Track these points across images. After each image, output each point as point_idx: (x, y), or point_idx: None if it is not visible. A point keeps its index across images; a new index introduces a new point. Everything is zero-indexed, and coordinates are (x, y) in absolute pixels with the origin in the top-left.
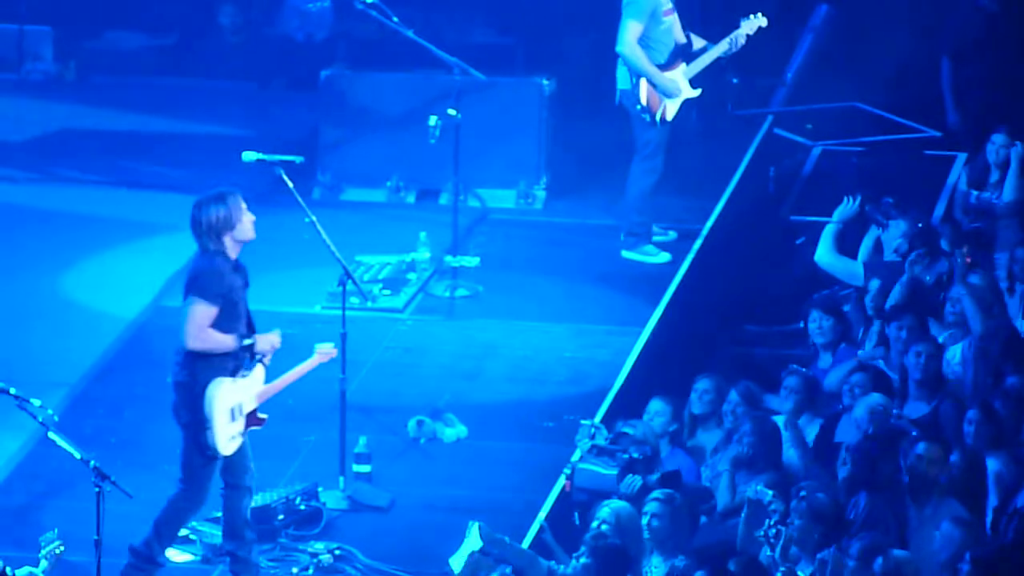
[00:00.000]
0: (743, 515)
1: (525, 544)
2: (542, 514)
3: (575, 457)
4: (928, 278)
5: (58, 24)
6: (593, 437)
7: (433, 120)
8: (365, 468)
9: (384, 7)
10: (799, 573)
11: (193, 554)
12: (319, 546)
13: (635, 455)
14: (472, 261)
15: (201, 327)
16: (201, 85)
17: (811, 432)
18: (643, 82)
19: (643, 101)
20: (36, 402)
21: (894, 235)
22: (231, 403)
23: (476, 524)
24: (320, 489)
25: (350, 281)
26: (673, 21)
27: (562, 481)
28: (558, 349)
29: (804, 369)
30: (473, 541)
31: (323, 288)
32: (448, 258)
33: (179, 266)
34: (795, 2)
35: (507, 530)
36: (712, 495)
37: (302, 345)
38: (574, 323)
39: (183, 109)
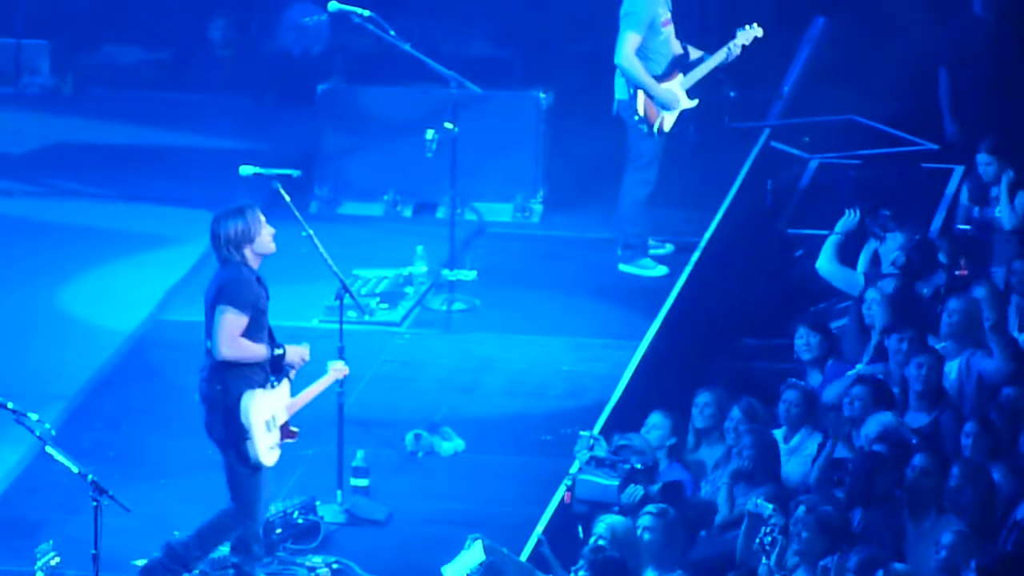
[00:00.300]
0: (743, 528)
1: (523, 557)
2: (540, 527)
3: (574, 468)
4: (926, 290)
5: (55, 38)
6: (592, 449)
7: (430, 133)
8: (363, 482)
9: (381, 21)
10: None
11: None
12: (317, 560)
13: (637, 465)
14: (469, 275)
15: (232, 336)
16: (198, 99)
17: (810, 446)
18: (640, 93)
19: (640, 112)
20: (34, 416)
21: (891, 247)
22: (266, 414)
23: (477, 537)
24: (318, 503)
25: (347, 295)
26: (671, 32)
27: (561, 493)
28: (555, 362)
29: (803, 382)
30: (475, 555)
31: (320, 302)
32: (445, 272)
33: (177, 279)
34: (792, 15)
35: (505, 544)
36: (715, 509)
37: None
38: (571, 336)
39: (180, 123)
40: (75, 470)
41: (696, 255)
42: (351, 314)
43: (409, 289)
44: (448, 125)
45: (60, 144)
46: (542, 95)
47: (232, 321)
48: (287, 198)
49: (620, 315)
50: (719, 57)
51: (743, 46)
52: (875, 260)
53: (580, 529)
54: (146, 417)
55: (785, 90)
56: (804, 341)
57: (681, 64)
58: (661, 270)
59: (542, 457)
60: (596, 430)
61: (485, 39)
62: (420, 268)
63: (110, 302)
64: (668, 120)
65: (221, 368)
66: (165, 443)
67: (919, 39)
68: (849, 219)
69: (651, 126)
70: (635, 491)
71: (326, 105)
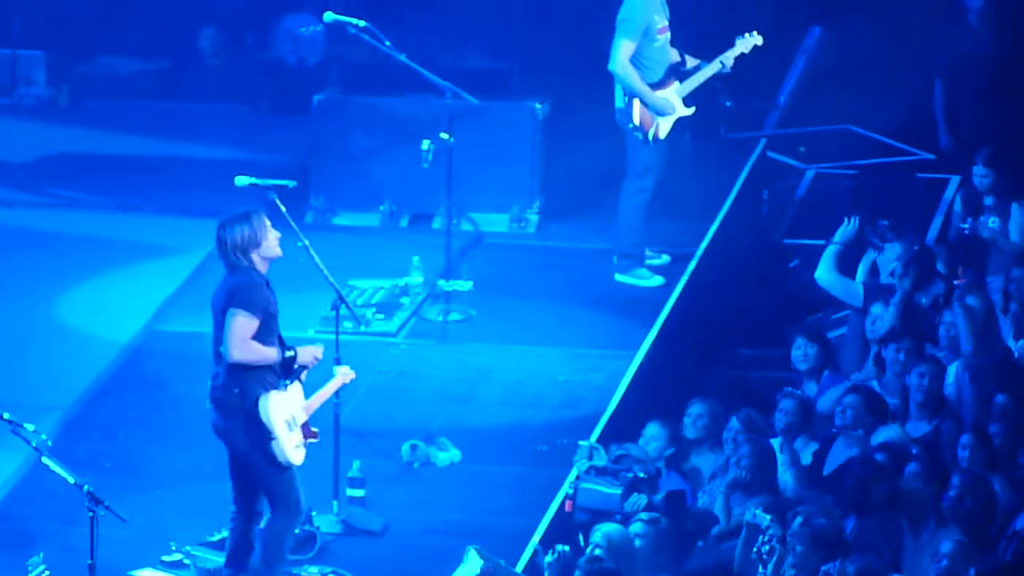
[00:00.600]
0: (741, 538)
1: (519, 568)
2: (536, 538)
3: (572, 476)
4: (924, 300)
5: (51, 48)
6: (591, 458)
7: (426, 144)
8: (359, 492)
9: (376, 31)
10: None
11: None
12: (313, 570)
13: (640, 474)
14: (465, 285)
15: (244, 339)
16: (194, 109)
17: (806, 455)
18: (636, 101)
19: (636, 120)
20: (30, 427)
21: (889, 258)
22: (286, 414)
23: (473, 548)
24: (314, 513)
25: (343, 305)
26: (667, 39)
27: (557, 503)
28: (552, 373)
29: (799, 391)
30: (472, 566)
31: (316, 312)
32: (441, 282)
33: (173, 290)
34: (788, 24)
35: (501, 554)
36: (715, 519)
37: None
38: (568, 347)
39: (176, 133)
40: (71, 481)
41: (692, 265)
42: (347, 324)
43: (405, 300)
44: (444, 135)
45: (56, 154)
46: (538, 106)
47: (244, 324)
48: (283, 208)
49: (616, 325)
50: (716, 66)
51: (741, 55)
52: (873, 270)
53: (581, 537)
54: (142, 428)
55: (781, 100)
56: (802, 352)
57: (677, 71)
58: (657, 280)
59: (538, 468)
60: (593, 440)
61: (481, 50)
62: (416, 279)
63: (106, 312)
64: (664, 127)
65: (236, 372)
66: (161, 454)
67: (915, 50)
68: (847, 228)
69: (646, 133)
70: (639, 500)
71: (322, 115)
